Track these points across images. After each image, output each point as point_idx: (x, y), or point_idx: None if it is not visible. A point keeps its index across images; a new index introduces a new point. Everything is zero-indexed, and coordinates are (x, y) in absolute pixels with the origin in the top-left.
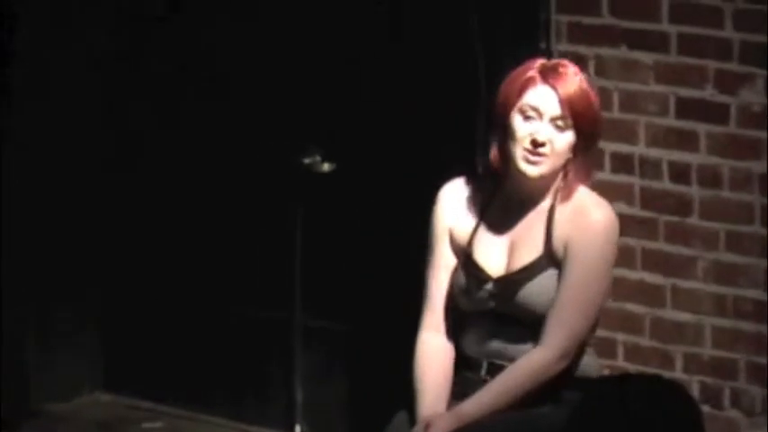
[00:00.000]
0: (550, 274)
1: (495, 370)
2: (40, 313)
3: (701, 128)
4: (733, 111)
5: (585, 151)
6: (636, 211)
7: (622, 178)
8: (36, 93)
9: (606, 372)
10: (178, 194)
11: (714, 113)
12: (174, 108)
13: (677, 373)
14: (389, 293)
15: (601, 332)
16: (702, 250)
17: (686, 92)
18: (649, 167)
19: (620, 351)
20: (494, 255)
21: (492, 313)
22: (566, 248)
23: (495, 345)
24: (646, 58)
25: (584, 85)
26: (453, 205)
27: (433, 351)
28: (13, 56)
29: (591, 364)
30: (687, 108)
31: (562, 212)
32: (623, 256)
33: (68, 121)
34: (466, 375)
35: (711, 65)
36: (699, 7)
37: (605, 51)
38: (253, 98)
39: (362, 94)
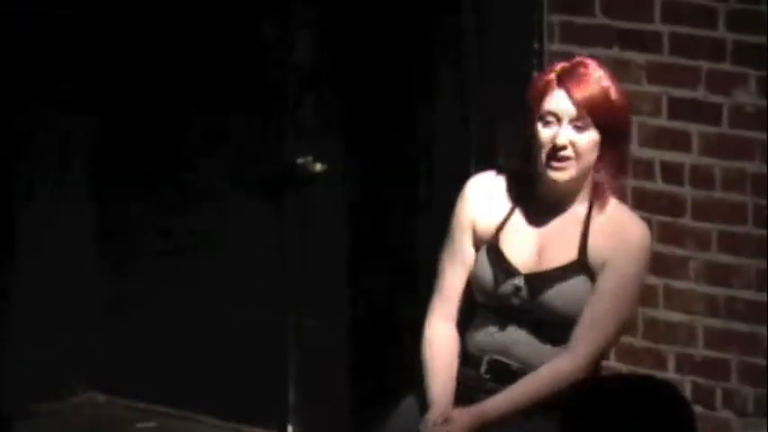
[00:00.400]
0: (581, 280)
1: (496, 367)
2: (36, 314)
3: (694, 128)
4: (725, 111)
5: (613, 149)
6: None
7: None
8: None
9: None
10: (173, 195)
11: (706, 114)
12: (172, 111)
13: (670, 374)
14: (382, 293)
15: None
16: (695, 250)
17: (679, 92)
18: (642, 168)
19: (613, 351)
20: (523, 250)
21: (506, 310)
22: (604, 261)
23: (501, 342)
24: (638, 58)
25: (604, 81)
26: (480, 199)
27: (444, 339)
28: None
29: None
30: (680, 108)
31: (599, 223)
32: None
33: None
34: (464, 372)
35: (704, 65)
36: (691, 7)
37: (598, 51)
38: (245, 99)
39: (355, 93)
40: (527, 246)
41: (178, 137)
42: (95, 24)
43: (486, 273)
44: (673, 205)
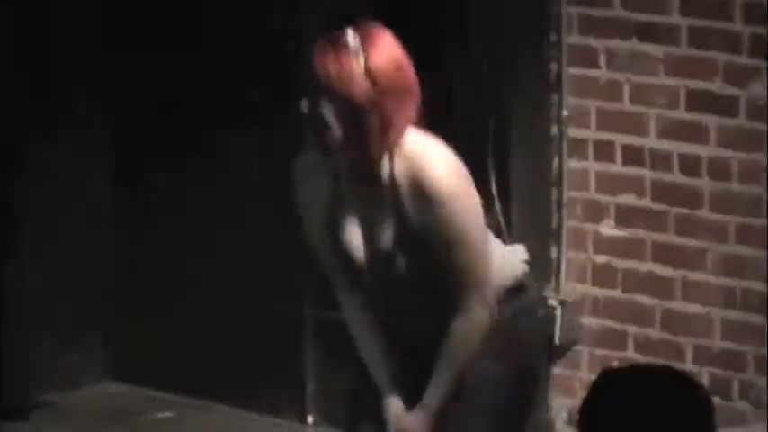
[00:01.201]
0: (415, 247)
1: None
2: (53, 303)
3: (711, 120)
4: (742, 103)
5: (360, 122)
6: (646, 203)
7: (633, 170)
8: None
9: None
10: (191, 187)
11: (723, 106)
12: (191, 106)
13: (687, 365)
14: None
15: (611, 324)
16: (712, 242)
17: (696, 84)
18: (660, 160)
19: (631, 343)
20: (356, 237)
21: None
22: (427, 225)
23: (390, 307)
24: (656, 50)
25: (344, 56)
26: (305, 180)
27: (361, 312)
28: None
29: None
30: (697, 100)
31: (401, 185)
32: (633, 248)
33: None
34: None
35: (721, 57)
36: (708, 0)
37: (616, 44)
38: (262, 94)
39: None
40: (358, 230)
41: (193, 135)
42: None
43: (336, 265)
44: (690, 197)
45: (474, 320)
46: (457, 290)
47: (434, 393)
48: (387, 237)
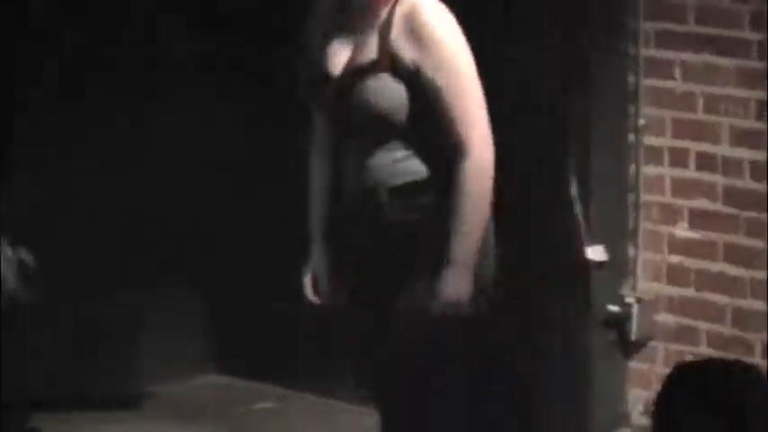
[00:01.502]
0: (387, 78)
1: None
2: (156, 300)
3: None
4: None
5: None
6: (719, 207)
7: (706, 176)
8: None
9: None
10: (280, 196)
11: None
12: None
13: (756, 359)
14: None
15: (684, 321)
16: None
17: (765, 95)
18: (731, 166)
19: (703, 339)
20: (336, 57)
21: (338, 125)
22: (416, 65)
23: (357, 170)
24: (728, 63)
25: None
26: (321, 18)
27: (319, 174)
28: None
29: None
30: (766, 110)
31: (396, 23)
32: (706, 249)
33: None
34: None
35: None
36: None
37: (690, 56)
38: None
39: None
40: (341, 53)
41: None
42: None
43: (307, 83)
44: (760, 202)
45: (482, 159)
46: (459, 133)
47: (459, 249)
48: (369, 53)
